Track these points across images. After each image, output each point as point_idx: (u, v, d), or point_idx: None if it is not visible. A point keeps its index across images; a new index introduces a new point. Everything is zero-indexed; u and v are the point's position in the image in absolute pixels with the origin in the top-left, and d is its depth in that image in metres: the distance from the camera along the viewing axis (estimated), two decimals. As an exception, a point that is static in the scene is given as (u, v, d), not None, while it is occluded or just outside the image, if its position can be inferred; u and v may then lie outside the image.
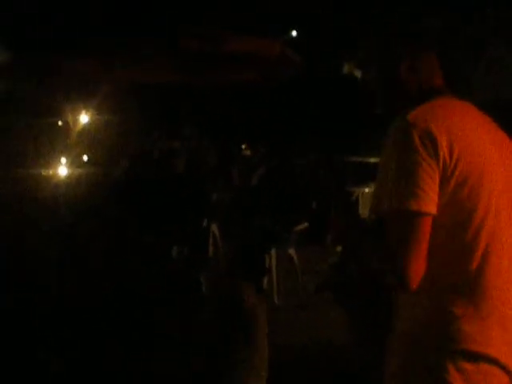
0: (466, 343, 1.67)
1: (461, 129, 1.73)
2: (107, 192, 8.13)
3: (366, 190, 8.43)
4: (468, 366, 1.66)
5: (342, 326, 5.41)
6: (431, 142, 1.65)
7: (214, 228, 7.20)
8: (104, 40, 7.49)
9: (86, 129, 10.10)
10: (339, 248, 7.92)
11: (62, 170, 8.98)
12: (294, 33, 9.73)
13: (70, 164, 9.25)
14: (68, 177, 8.77)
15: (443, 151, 1.65)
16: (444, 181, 1.65)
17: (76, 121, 10.14)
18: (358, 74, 13.70)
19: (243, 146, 10.25)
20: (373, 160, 9.17)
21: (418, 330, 1.73)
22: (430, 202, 1.63)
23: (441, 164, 1.65)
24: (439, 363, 1.67)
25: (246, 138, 8.64)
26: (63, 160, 9.70)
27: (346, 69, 13.61)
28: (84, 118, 10.21)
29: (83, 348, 4.69)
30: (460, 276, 1.69)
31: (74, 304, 5.38)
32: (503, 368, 1.70)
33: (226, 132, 9.22)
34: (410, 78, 1.87)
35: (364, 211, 8.26)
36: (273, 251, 6.31)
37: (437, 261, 1.66)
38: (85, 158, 10.37)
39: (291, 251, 6.43)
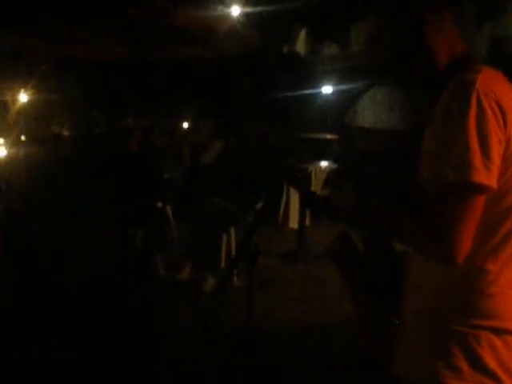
0: (496, 320, 1.63)
1: None
2: (50, 171, 7.86)
3: (321, 165, 8.37)
4: (498, 342, 1.63)
5: (305, 303, 5.41)
6: (501, 114, 1.54)
7: (168, 209, 7.01)
8: (46, 15, 7.14)
9: (26, 108, 9.75)
10: (293, 226, 7.93)
11: (1, 150, 8.62)
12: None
13: (10, 144, 8.94)
14: (7, 157, 8.41)
15: (510, 125, 1.55)
16: (506, 157, 1.56)
17: (15, 100, 9.76)
18: (300, 51, 13.73)
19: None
20: (323, 137, 9.16)
21: (444, 304, 1.66)
22: (495, 177, 1.53)
23: (506, 138, 1.55)
24: (474, 338, 1.62)
25: (199, 114, 8.45)
26: (1, 140, 9.36)
27: (285, 48, 13.57)
28: (23, 97, 9.85)
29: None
30: (492, 254, 1.62)
31: (22, 289, 5.17)
32: None
33: (175, 109, 9.01)
34: (438, 41, 1.70)
35: (317, 188, 8.24)
36: (231, 231, 6.17)
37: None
38: (22, 137, 10.05)
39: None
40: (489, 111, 1.51)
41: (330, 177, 6.92)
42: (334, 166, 8.27)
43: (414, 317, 1.76)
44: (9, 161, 8.34)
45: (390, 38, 1.74)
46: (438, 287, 1.68)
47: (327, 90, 12.00)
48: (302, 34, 13.42)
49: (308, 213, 7.48)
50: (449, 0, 1.74)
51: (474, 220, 1.54)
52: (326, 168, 8.35)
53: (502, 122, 1.53)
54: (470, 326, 1.62)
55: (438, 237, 1.56)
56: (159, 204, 6.53)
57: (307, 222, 7.61)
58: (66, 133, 9.93)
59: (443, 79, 1.66)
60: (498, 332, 1.62)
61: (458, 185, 1.53)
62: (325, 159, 8.70)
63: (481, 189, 1.52)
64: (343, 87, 11.33)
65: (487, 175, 1.50)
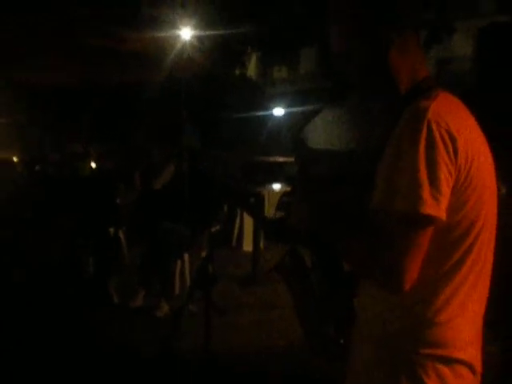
0: (443, 349, 1.60)
1: (470, 131, 1.60)
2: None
3: (274, 188, 8.39)
4: (446, 371, 1.60)
5: (261, 329, 5.39)
6: (452, 144, 1.50)
7: (121, 234, 6.93)
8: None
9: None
10: (248, 249, 7.92)
11: None
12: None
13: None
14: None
15: (461, 155, 1.52)
16: (457, 187, 1.53)
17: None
18: (252, 74, 13.79)
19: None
20: (277, 159, 9.22)
21: (391, 331, 1.63)
22: (444, 208, 1.51)
23: (457, 169, 1.52)
24: (421, 367, 1.59)
25: (152, 139, 8.40)
26: None
27: (237, 71, 13.66)
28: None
29: None
30: (440, 283, 1.60)
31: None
32: (473, 370, 1.65)
33: (127, 133, 8.93)
34: (401, 63, 1.65)
35: (270, 210, 8.26)
36: (185, 255, 6.12)
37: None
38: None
39: (204, 254, 6.25)
40: (439, 141, 1.48)
41: (283, 199, 6.96)
42: (287, 188, 8.30)
43: (360, 341, 1.73)
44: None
45: (354, 55, 1.68)
46: (385, 313, 1.64)
47: (279, 112, 12.10)
48: (254, 58, 13.54)
49: (262, 235, 7.48)
50: (415, 22, 1.69)
51: (421, 251, 1.52)
52: (279, 190, 8.39)
53: (452, 153, 1.50)
54: (416, 355, 1.59)
55: (384, 267, 1.53)
56: (112, 229, 6.45)
57: (261, 244, 7.61)
58: (15, 157, 9.75)
59: (402, 103, 1.62)
60: (446, 361, 1.60)
61: (406, 216, 1.49)
62: (278, 182, 8.75)
63: (429, 220, 1.49)
64: (295, 109, 11.43)
65: (436, 207, 1.48)
